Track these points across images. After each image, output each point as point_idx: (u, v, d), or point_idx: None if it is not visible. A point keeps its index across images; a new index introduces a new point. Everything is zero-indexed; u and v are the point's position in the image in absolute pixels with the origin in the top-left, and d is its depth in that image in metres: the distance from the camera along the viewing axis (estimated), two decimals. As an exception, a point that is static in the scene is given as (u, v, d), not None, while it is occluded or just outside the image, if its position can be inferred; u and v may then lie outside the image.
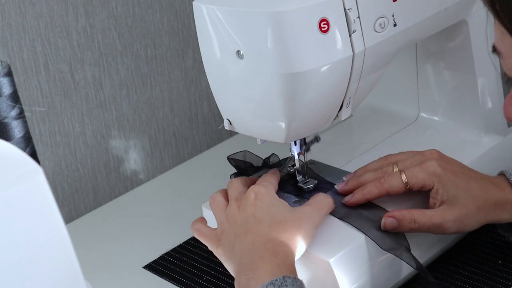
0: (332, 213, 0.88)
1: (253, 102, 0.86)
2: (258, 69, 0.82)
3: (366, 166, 0.94)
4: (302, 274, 0.83)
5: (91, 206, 1.18)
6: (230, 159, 0.95)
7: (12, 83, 0.72)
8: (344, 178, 0.94)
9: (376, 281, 0.87)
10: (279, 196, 0.87)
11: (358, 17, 0.82)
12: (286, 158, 0.96)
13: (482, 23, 0.99)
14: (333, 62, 0.82)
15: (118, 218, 1.15)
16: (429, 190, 0.88)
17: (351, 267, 0.84)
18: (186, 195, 1.17)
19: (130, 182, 1.21)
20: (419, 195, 0.90)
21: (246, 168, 0.95)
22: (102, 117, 1.15)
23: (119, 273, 1.02)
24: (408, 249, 0.86)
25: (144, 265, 1.02)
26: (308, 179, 0.95)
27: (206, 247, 1.00)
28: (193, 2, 0.84)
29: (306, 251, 0.83)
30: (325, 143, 1.02)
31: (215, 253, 0.87)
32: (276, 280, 0.75)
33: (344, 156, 1.03)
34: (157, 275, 1.00)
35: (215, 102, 0.90)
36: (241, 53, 0.82)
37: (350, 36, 0.82)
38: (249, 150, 0.96)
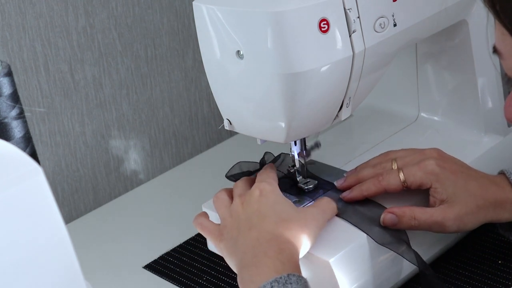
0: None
1: (253, 102, 0.86)
2: (258, 69, 0.82)
3: (367, 162, 0.94)
4: (302, 274, 0.83)
5: (91, 206, 1.18)
6: (230, 177, 0.95)
7: (12, 83, 0.72)
8: (345, 175, 0.94)
9: (376, 281, 0.87)
10: None
11: (358, 17, 0.82)
12: (280, 155, 0.96)
13: (482, 23, 0.99)
14: (333, 62, 0.82)
15: (118, 218, 1.15)
16: (429, 189, 0.88)
17: (351, 267, 0.84)
18: (186, 195, 1.17)
19: (130, 182, 1.21)
20: (420, 193, 0.90)
21: (246, 174, 0.95)
22: (102, 117, 1.15)
23: (119, 273, 1.02)
24: (409, 246, 0.86)
25: (144, 265, 1.02)
26: (308, 179, 0.96)
27: (206, 247, 1.00)
28: (193, 2, 0.84)
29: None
30: (325, 143, 1.02)
31: (217, 248, 0.87)
32: (281, 277, 0.75)
33: (344, 156, 1.03)
34: (157, 275, 1.00)
35: (215, 102, 0.90)
36: (241, 53, 0.82)
37: (350, 36, 0.82)
38: (243, 160, 0.96)
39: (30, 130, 0.75)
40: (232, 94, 0.87)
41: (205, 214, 0.92)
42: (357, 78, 0.86)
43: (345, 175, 0.94)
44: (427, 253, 0.91)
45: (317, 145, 0.95)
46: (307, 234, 0.82)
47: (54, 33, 1.07)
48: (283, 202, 0.85)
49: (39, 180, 0.51)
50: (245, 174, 0.95)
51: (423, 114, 1.10)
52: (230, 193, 0.90)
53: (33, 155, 0.75)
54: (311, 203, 0.92)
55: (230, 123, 0.90)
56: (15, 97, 0.72)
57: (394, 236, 0.86)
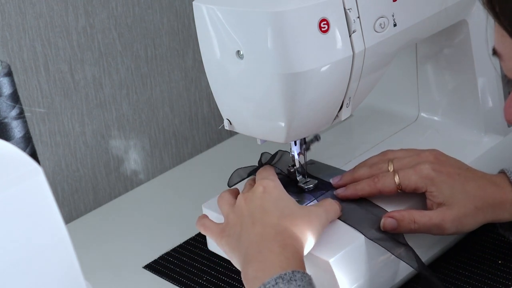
0: None
1: (253, 102, 0.86)
2: (258, 69, 0.82)
3: (365, 160, 0.94)
4: (302, 273, 0.83)
5: (91, 206, 1.18)
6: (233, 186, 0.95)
7: (12, 83, 0.72)
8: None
9: (376, 281, 0.87)
10: None
11: (358, 17, 0.82)
12: (277, 152, 0.96)
13: (482, 23, 0.99)
14: (333, 62, 0.82)
15: (118, 218, 1.15)
16: (425, 192, 0.88)
17: (351, 267, 0.84)
18: (186, 195, 1.17)
19: (130, 182, 1.21)
20: (419, 196, 0.90)
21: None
22: (102, 117, 1.15)
23: (119, 273, 1.02)
24: (407, 247, 0.86)
25: (144, 265, 1.02)
26: (308, 179, 0.96)
27: (206, 247, 1.00)
28: (193, 2, 0.84)
29: (306, 251, 0.84)
30: (325, 143, 1.02)
31: (218, 245, 0.87)
32: (285, 274, 0.75)
33: (344, 156, 1.03)
34: (157, 275, 1.00)
35: (215, 102, 0.90)
36: (241, 53, 0.82)
37: (350, 36, 0.82)
38: (241, 159, 0.96)
39: (30, 130, 0.75)
40: (232, 94, 0.87)
41: (206, 216, 0.92)
42: (357, 78, 0.86)
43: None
44: (427, 254, 0.91)
45: (316, 138, 0.94)
46: (310, 231, 0.82)
47: (54, 33, 1.07)
48: (286, 199, 0.85)
49: (39, 180, 0.51)
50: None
51: (423, 114, 1.10)
52: (233, 193, 0.91)
53: (33, 155, 0.75)
54: (312, 201, 0.92)
55: (230, 123, 0.90)
56: (15, 97, 0.72)
57: (393, 237, 0.86)
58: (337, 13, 0.81)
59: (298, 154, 0.93)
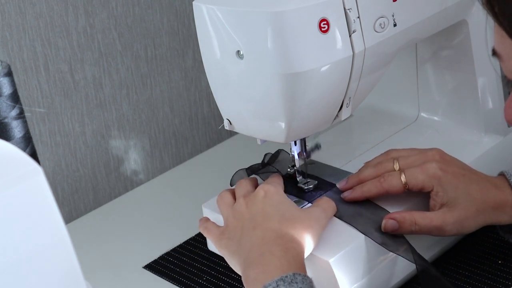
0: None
1: (253, 102, 0.86)
2: (258, 69, 0.82)
3: (368, 162, 0.94)
4: (302, 274, 0.83)
5: (91, 206, 1.18)
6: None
7: (12, 83, 0.72)
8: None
9: (376, 281, 0.87)
10: None
11: (358, 17, 0.82)
12: (278, 151, 0.96)
13: (482, 23, 0.99)
14: (333, 62, 0.82)
15: (118, 218, 1.15)
16: (430, 192, 0.88)
17: (351, 267, 0.84)
18: (186, 195, 1.17)
19: (130, 182, 1.21)
20: (420, 196, 0.90)
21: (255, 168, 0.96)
22: (102, 117, 1.15)
23: (119, 273, 1.02)
24: (408, 246, 0.86)
25: (144, 265, 1.02)
26: (308, 179, 0.96)
27: (206, 247, 1.00)
28: (193, 2, 0.84)
29: (307, 251, 0.84)
30: (325, 143, 1.02)
31: (217, 247, 0.87)
32: (287, 276, 0.75)
33: (344, 156, 1.03)
34: (157, 275, 1.00)
35: (215, 102, 0.90)
36: (241, 53, 0.82)
37: (350, 36, 0.82)
38: (242, 159, 0.96)
39: (30, 130, 0.75)
40: (232, 94, 0.87)
41: (209, 219, 0.92)
42: (357, 78, 0.86)
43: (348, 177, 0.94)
44: (427, 254, 0.91)
45: (317, 146, 0.95)
46: (311, 235, 0.82)
47: (54, 33, 1.07)
48: (287, 203, 0.85)
49: (39, 180, 0.51)
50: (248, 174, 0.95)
51: (423, 114, 1.10)
52: (233, 193, 0.91)
53: (33, 155, 0.75)
54: (310, 204, 0.92)
55: (230, 123, 0.90)
56: (15, 97, 0.72)
57: (394, 237, 0.86)
58: (337, 13, 0.81)
59: (298, 154, 0.93)
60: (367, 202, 0.91)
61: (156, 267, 1.01)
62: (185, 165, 1.27)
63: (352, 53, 0.83)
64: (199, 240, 1.04)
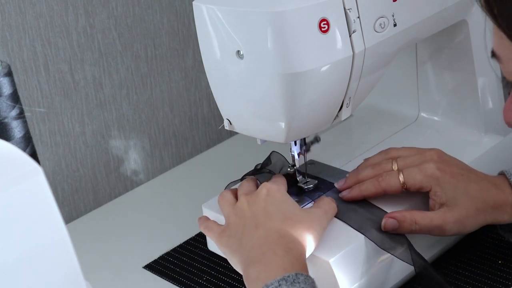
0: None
1: (253, 102, 0.86)
2: (258, 69, 0.82)
3: (368, 160, 0.94)
4: (302, 274, 0.83)
5: (91, 206, 1.18)
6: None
7: (12, 83, 0.72)
8: (347, 175, 0.94)
9: (376, 281, 0.87)
10: None
11: (358, 17, 0.82)
12: (272, 153, 0.96)
13: (482, 24, 0.99)
14: (333, 62, 0.82)
15: (118, 218, 1.15)
16: (428, 192, 0.88)
17: (351, 267, 0.84)
18: (186, 195, 1.17)
19: (130, 182, 1.21)
20: (420, 196, 0.90)
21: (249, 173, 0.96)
22: (102, 117, 1.15)
23: (119, 273, 1.02)
24: (409, 247, 0.86)
25: (144, 265, 1.02)
26: (308, 179, 0.96)
27: (206, 247, 1.00)
28: (193, 2, 0.84)
29: (307, 251, 0.84)
30: (325, 143, 1.02)
31: (218, 245, 0.87)
32: (289, 276, 0.75)
33: (344, 156, 1.03)
34: (157, 275, 1.00)
35: (215, 102, 0.90)
36: (241, 53, 0.82)
37: (350, 36, 0.82)
38: (242, 160, 0.96)
39: (30, 130, 0.75)
40: (232, 94, 0.87)
41: (207, 218, 0.92)
42: (357, 78, 0.86)
43: (347, 175, 0.94)
44: (427, 254, 0.91)
45: (316, 139, 0.94)
46: (312, 235, 0.82)
47: (54, 33, 1.07)
48: (289, 202, 0.85)
49: (39, 180, 0.51)
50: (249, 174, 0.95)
51: (423, 114, 1.10)
52: (235, 193, 0.91)
53: (33, 155, 0.75)
54: (310, 203, 0.92)
55: (230, 123, 0.90)
56: (15, 97, 0.72)
57: (393, 238, 0.86)
58: (337, 13, 0.81)
59: (298, 154, 0.93)
60: (367, 203, 0.90)
61: (156, 267, 1.01)
62: (185, 165, 1.27)
63: (352, 53, 0.83)
64: (199, 240, 1.04)
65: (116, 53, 1.14)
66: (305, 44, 0.80)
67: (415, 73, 1.08)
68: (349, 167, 0.98)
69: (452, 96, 1.06)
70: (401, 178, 0.88)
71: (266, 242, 0.80)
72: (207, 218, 0.92)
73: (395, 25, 0.86)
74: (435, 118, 1.08)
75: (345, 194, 0.91)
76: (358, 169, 0.94)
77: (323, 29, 0.80)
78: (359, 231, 0.86)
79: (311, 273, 0.79)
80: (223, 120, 0.90)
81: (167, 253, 1.03)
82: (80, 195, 1.16)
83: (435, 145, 0.94)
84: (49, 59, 1.07)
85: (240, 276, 0.82)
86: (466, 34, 1.00)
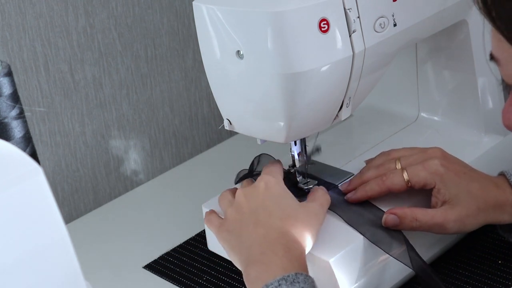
0: (333, 209, 0.89)
1: (253, 102, 0.86)
2: (258, 69, 0.82)
3: (370, 162, 0.94)
4: (302, 274, 0.83)
5: (91, 206, 1.18)
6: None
7: (12, 83, 0.72)
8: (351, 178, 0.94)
9: (376, 281, 0.87)
10: None
11: (358, 17, 0.82)
12: (258, 157, 0.96)
13: (481, 24, 0.99)
14: (333, 62, 0.82)
15: (118, 218, 1.15)
16: (431, 189, 0.88)
17: (351, 267, 0.84)
18: (186, 195, 1.17)
19: (130, 182, 1.21)
20: (421, 195, 0.90)
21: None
22: (102, 117, 1.15)
23: (119, 273, 1.02)
24: (408, 247, 0.86)
25: (144, 265, 1.02)
26: (308, 179, 0.95)
27: (206, 247, 1.00)
28: (193, 2, 0.84)
29: (306, 251, 0.84)
30: (325, 143, 1.02)
31: (218, 240, 0.87)
32: (289, 276, 0.75)
33: (344, 156, 1.03)
34: (157, 275, 1.00)
35: (215, 102, 0.90)
36: (241, 53, 0.82)
37: (350, 36, 0.82)
38: (242, 159, 0.96)
39: (30, 130, 0.75)
40: (232, 94, 0.87)
41: (215, 212, 0.92)
42: (357, 78, 0.86)
43: (351, 178, 0.94)
44: (427, 253, 0.91)
45: (317, 149, 0.95)
46: (311, 231, 0.82)
47: (54, 33, 1.07)
48: (288, 196, 0.85)
49: (39, 180, 0.51)
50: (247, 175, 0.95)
51: (423, 114, 1.10)
52: (234, 192, 0.90)
53: (33, 155, 0.75)
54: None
55: (230, 123, 0.90)
56: (15, 97, 0.72)
57: (393, 238, 0.86)
58: (337, 13, 0.81)
59: (298, 154, 0.93)
60: (367, 203, 0.90)
61: (156, 267, 1.01)
62: (185, 165, 1.27)
63: (352, 53, 0.83)
64: (199, 240, 1.04)
65: (116, 53, 1.14)
66: (305, 44, 0.80)
67: (415, 73, 1.08)
68: (349, 167, 0.98)
69: (452, 96, 1.06)
70: (405, 176, 0.88)
71: (265, 241, 0.80)
72: (211, 212, 0.92)
73: (395, 25, 0.86)
74: (435, 118, 1.08)
75: (350, 196, 0.91)
76: (361, 172, 0.94)
77: (323, 29, 0.80)
78: (357, 230, 0.86)
79: (311, 273, 0.79)
80: (223, 120, 0.90)
81: (167, 253, 1.03)
82: (80, 195, 1.16)
83: (435, 145, 0.94)
84: (49, 59, 1.07)
85: (240, 276, 0.82)
86: (466, 34, 1.00)
